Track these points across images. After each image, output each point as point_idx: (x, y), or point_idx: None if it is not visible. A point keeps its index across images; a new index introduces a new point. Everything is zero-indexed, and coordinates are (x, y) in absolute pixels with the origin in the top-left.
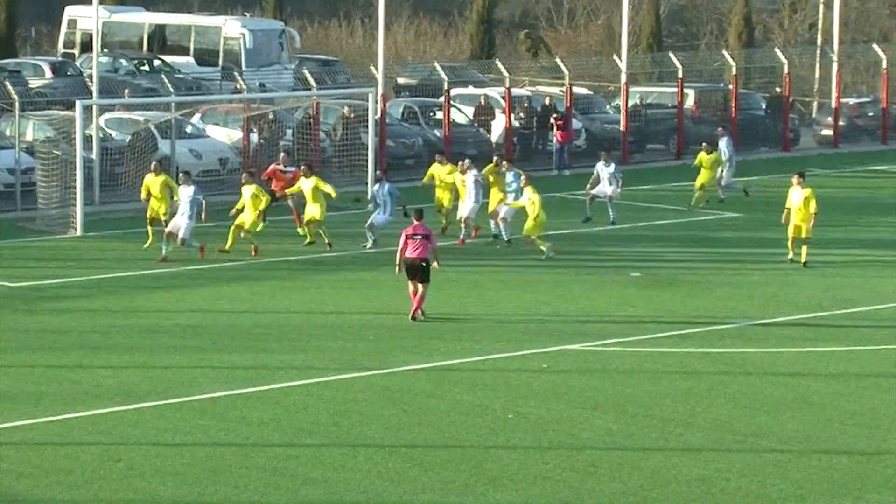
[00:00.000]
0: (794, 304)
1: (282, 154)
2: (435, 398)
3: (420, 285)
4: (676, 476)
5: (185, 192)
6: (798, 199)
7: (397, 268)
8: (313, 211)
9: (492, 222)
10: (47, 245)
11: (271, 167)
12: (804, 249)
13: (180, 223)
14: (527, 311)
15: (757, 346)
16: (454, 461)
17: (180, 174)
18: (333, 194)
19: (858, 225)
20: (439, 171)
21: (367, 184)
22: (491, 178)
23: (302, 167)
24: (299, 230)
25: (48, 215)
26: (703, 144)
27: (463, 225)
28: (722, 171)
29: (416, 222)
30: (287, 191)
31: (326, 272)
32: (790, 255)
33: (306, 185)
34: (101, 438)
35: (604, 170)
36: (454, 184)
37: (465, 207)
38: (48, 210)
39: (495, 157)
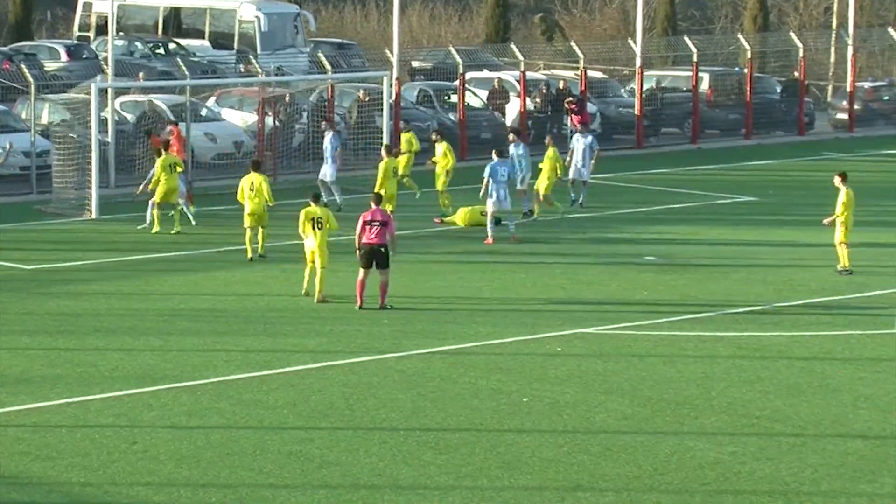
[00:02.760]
0: (810, 288)
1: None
2: (449, 382)
3: (379, 272)
4: (691, 460)
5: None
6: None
7: (357, 252)
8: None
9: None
10: (62, 228)
11: (159, 138)
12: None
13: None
14: (541, 295)
15: (772, 329)
16: (468, 444)
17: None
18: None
19: (874, 209)
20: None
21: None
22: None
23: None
24: (191, 208)
25: (64, 198)
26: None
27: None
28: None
29: (373, 207)
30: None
31: (340, 256)
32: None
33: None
34: (117, 421)
35: (580, 141)
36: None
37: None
38: (64, 193)
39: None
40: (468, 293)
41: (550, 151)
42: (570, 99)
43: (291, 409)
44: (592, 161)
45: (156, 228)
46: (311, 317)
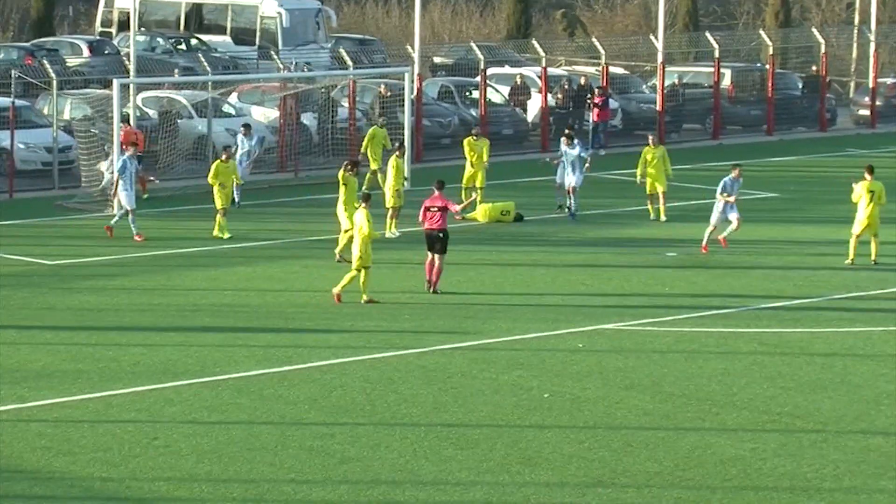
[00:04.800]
0: (831, 285)
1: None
2: (470, 377)
3: (437, 257)
4: (712, 456)
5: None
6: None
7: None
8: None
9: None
10: (84, 223)
11: (125, 131)
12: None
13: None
14: (563, 291)
15: (794, 326)
16: (489, 440)
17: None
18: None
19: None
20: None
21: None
22: (467, 149)
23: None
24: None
25: (86, 193)
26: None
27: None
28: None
29: (436, 193)
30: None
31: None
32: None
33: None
34: (138, 416)
35: (567, 153)
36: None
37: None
38: (88, 188)
39: (473, 130)
40: (489, 289)
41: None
42: (597, 92)
43: (312, 405)
44: (582, 176)
45: (226, 234)
46: (331, 312)
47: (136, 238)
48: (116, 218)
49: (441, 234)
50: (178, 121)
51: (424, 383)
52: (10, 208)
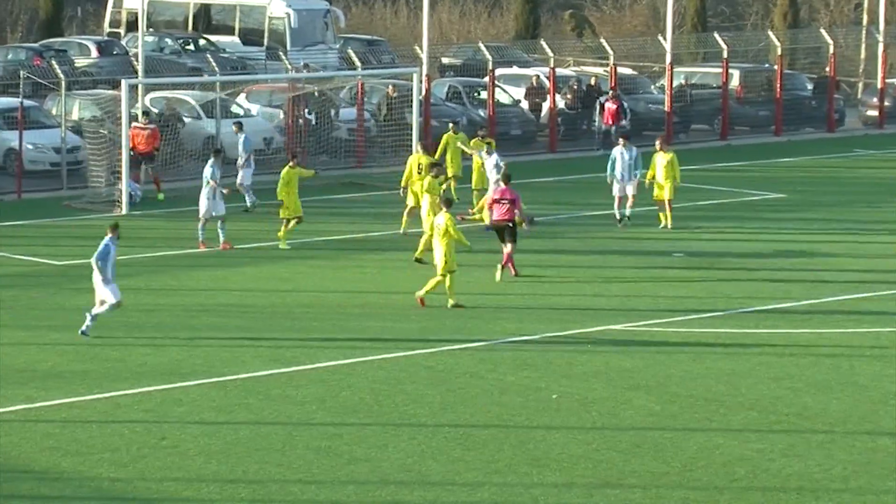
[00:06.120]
0: (839, 285)
1: (140, 115)
2: (477, 378)
3: (509, 245)
4: (719, 456)
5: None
6: None
7: (487, 225)
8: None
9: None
10: (92, 223)
11: (133, 129)
12: None
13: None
14: (570, 292)
15: (801, 326)
16: (497, 441)
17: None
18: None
19: None
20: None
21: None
22: (468, 151)
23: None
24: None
25: (94, 194)
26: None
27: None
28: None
29: (503, 186)
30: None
31: (368, 251)
32: None
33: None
34: (146, 417)
35: (623, 155)
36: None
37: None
38: (96, 189)
39: (480, 132)
40: (495, 289)
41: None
42: (610, 95)
43: (320, 405)
44: (636, 181)
45: (284, 244)
46: (338, 312)
47: (200, 246)
48: (200, 232)
49: (511, 224)
50: (182, 121)
51: (432, 384)
52: (19, 209)
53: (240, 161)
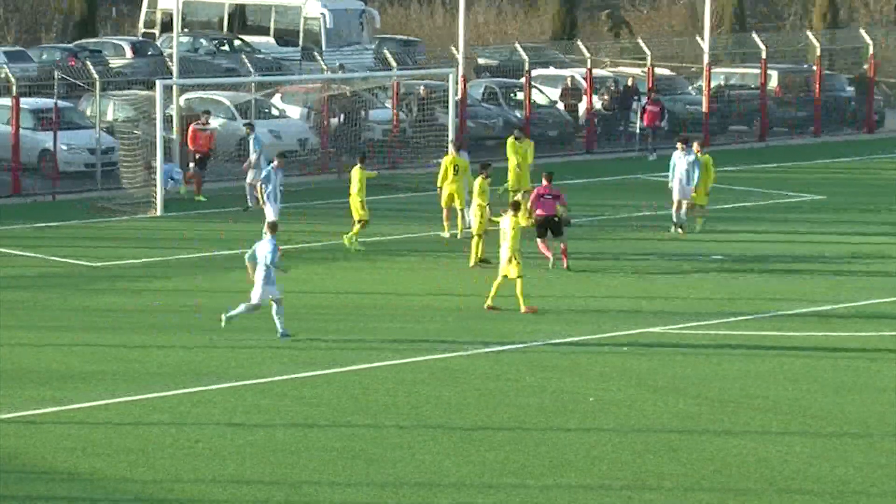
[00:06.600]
0: (883, 289)
1: (203, 113)
2: (493, 378)
3: (556, 239)
4: (736, 458)
5: None
6: None
7: (533, 223)
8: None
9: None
10: (126, 225)
11: (192, 128)
12: None
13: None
14: (607, 294)
15: (836, 329)
16: (514, 442)
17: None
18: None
19: None
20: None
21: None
22: (511, 150)
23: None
24: (199, 197)
25: (128, 195)
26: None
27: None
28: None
29: (545, 183)
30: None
31: (385, 253)
32: None
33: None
34: (163, 419)
35: (682, 159)
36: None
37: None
38: (130, 190)
39: (515, 133)
40: (534, 292)
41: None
42: (651, 97)
43: (336, 407)
44: (697, 179)
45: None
46: (356, 315)
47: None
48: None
49: (556, 219)
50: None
51: (449, 384)
52: (53, 209)
53: (252, 158)
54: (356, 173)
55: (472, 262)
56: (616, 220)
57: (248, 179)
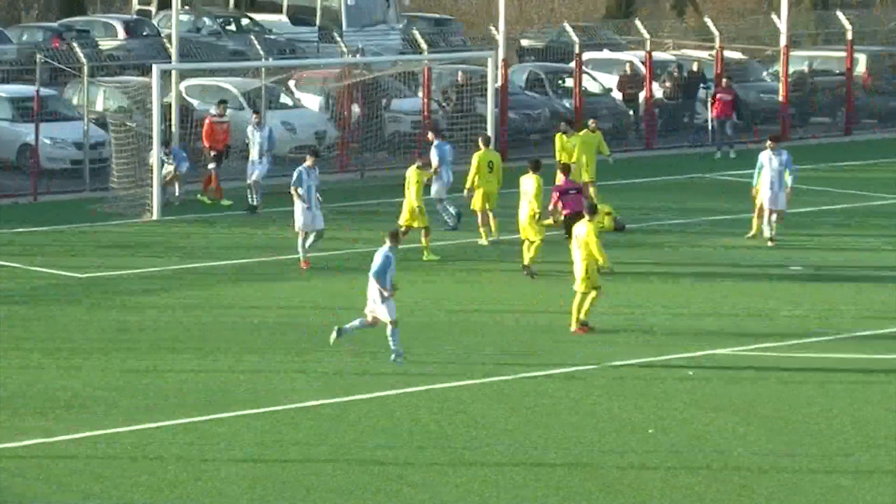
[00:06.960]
0: None
1: (219, 104)
2: (546, 397)
3: None
4: (809, 485)
5: None
6: None
7: (554, 222)
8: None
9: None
10: (119, 231)
11: (207, 121)
12: None
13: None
14: (671, 310)
15: None
16: (567, 466)
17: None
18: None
19: None
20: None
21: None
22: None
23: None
24: (224, 201)
25: (121, 196)
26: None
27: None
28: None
29: (563, 177)
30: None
31: (429, 263)
32: None
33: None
34: (182, 452)
35: (773, 159)
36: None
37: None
38: (121, 190)
39: (562, 126)
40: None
41: None
42: (727, 86)
43: (375, 432)
44: (790, 189)
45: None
46: (401, 332)
47: (302, 265)
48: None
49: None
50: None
51: (503, 407)
52: (36, 212)
53: (254, 153)
54: (413, 174)
55: (525, 261)
56: (678, 224)
57: (252, 178)
